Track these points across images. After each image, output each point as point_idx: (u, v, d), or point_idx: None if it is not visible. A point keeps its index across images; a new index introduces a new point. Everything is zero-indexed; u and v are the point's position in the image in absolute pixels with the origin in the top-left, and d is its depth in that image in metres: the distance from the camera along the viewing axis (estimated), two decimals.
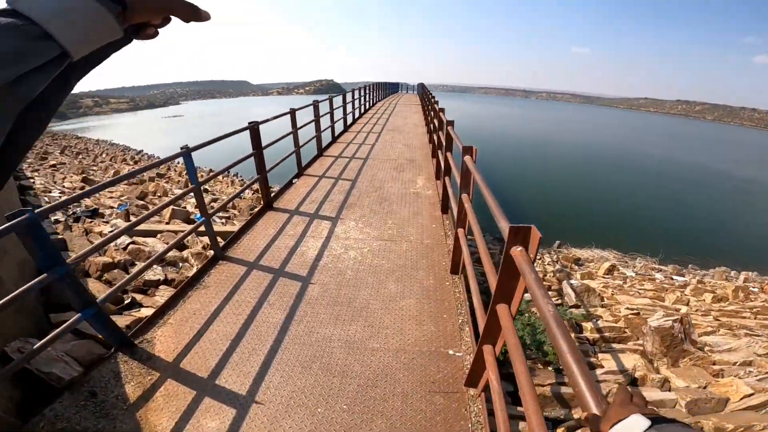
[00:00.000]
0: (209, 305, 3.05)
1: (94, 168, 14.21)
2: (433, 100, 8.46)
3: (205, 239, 4.57)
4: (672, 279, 8.33)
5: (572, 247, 10.86)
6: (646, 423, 0.52)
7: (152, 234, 4.65)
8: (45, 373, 2.21)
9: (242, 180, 15.69)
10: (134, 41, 0.51)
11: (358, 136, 10.14)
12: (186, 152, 3.10)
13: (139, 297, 3.41)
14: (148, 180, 10.32)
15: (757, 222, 15.74)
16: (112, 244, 3.88)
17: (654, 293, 6.34)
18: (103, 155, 20.90)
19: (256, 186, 6.21)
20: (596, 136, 48.93)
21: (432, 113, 8.44)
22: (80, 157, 18.57)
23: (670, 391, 3.38)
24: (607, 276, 7.74)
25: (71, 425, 2.03)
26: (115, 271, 3.66)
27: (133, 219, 5.53)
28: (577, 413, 2.96)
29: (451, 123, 4.25)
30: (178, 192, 8.91)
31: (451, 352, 2.63)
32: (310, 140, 7.14)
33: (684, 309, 5.48)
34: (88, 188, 2.39)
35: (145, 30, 0.51)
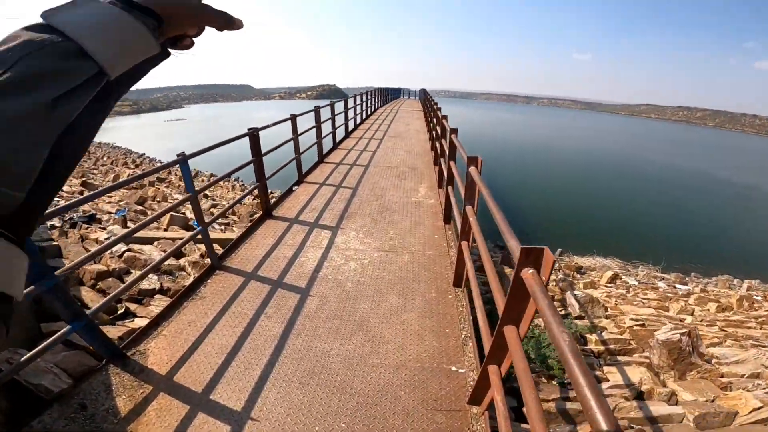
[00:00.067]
0: (205, 316, 2.97)
1: (95, 171, 14.16)
2: (435, 106, 8.41)
3: (203, 247, 4.50)
4: (675, 287, 8.25)
5: (574, 255, 10.79)
6: None
7: (149, 241, 4.57)
8: (33, 385, 2.15)
9: (243, 185, 15.65)
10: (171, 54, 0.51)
11: (359, 143, 10.10)
12: (182, 159, 3.03)
13: (133, 307, 3.32)
14: (148, 184, 10.26)
15: (759, 229, 15.68)
16: (107, 251, 3.81)
17: (658, 303, 6.27)
18: (104, 158, 20.89)
19: (256, 191, 6.15)
20: (597, 142, 48.98)
21: (434, 120, 8.40)
22: None
23: (677, 405, 3.30)
24: (609, 285, 7.67)
25: None
26: (110, 279, 3.58)
27: (131, 225, 5.46)
28: (583, 429, 2.88)
29: (454, 131, 4.18)
30: (178, 197, 8.86)
31: (453, 368, 2.55)
32: (311, 146, 7.08)
33: (689, 319, 5.41)
34: (87, 193, 2.34)
35: (182, 41, 0.51)
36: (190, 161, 3.19)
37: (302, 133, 6.20)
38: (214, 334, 2.79)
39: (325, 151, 8.28)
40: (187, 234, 4.39)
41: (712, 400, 3.31)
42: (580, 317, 4.95)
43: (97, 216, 5.74)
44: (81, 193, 8.10)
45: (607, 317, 5.02)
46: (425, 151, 9.13)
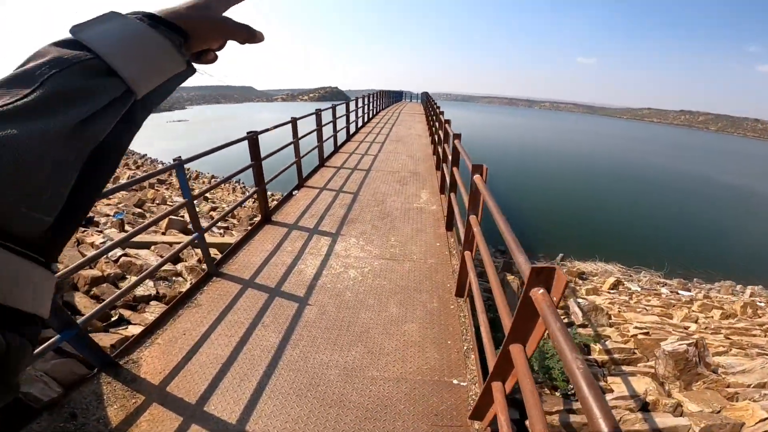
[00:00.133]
0: (200, 325, 2.91)
1: None
2: (438, 110, 8.34)
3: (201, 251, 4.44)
4: (678, 294, 8.19)
5: (576, 260, 10.72)
6: None
7: (146, 246, 4.51)
8: (22, 393, 2.10)
9: (244, 187, 15.59)
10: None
11: (360, 146, 10.04)
12: (178, 164, 2.96)
13: (127, 314, 3.25)
14: (148, 186, 10.19)
15: (761, 234, 15.57)
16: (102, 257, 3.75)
17: (661, 310, 6.22)
18: None
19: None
20: (599, 146, 48.91)
21: (437, 124, 8.33)
22: None
23: (682, 416, 3.24)
24: (612, 291, 7.62)
25: None
26: (104, 285, 3.51)
27: (128, 228, 5.40)
28: None
29: (458, 136, 4.11)
30: (179, 200, 8.80)
31: (455, 381, 2.48)
32: (312, 150, 7.01)
33: (693, 327, 5.36)
34: None
35: (206, 55, 0.51)
36: (190, 163, 3.14)
37: (303, 137, 6.14)
38: (210, 344, 2.73)
39: (326, 155, 8.21)
40: (186, 238, 4.31)
41: (719, 411, 3.25)
42: (583, 325, 4.89)
43: (95, 219, 5.67)
44: None
45: (610, 325, 4.96)
46: (427, 155, 9.07)
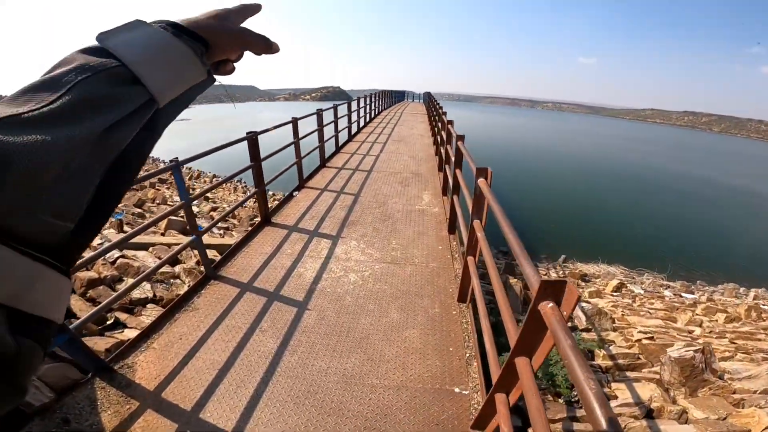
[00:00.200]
0: (197, 329, 2.85)
1: None
2: (441, 111, 8.27)
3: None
4: (681, 296, 8.13)
5: (578, 261, 10.66)
6: None
7: (144, 247, 4.45)
8: None
9: (245, 186, 15.53)
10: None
11: (362, 146, 9.97)
12: (175, 165, 2.90)
13: (123, 317, 3.19)
14: (149, 186, 10.14)
15: (764, 236, 15.46)
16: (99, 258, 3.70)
17: (665, 313, 6.17)
18: None
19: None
20: (602, 147, 48.73)
21: (439, 124, 8.26)
22: None
23: (687, 423, 3.19)
24: (615, 293, 7.57)
25: None
26: (101, 287, 3.45)
27: (127, 229, 5.35)
28: None
29: (461, 138, 4.03)
30: (179, 200, 8.75)
31: (457, 389, 2.42)
32: (313, 150, 6.94)
33: (698, 331, 5.31)
34: None
35: (225, 66, 0.52)
36: (191, 163, 3.09)
37: (304, 137, 6.07)
38: (206, 349, 2.67)
39: (327, 155, 8.15)
40: (185, 239, 4.26)
41: (724, 418, 3.19)
42: (587, 330, 4.84)
43: None
44: None
45: (614, 330, 4.90)
46: (429, 156, 8.99)
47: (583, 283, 8.35)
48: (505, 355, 2.83)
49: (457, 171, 4.00)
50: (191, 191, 11.48)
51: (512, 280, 5.65)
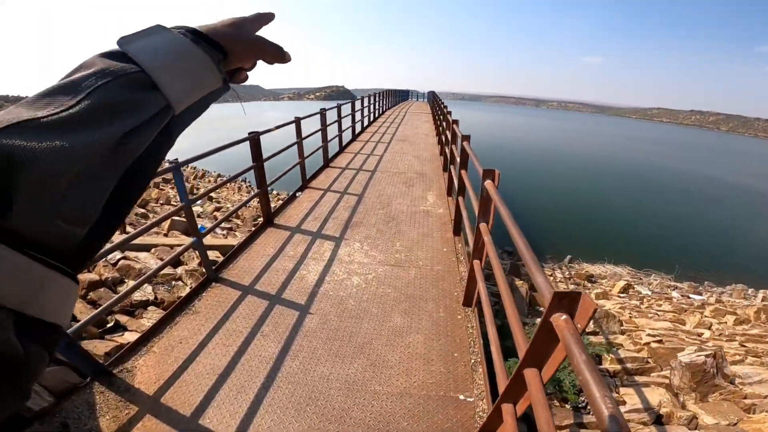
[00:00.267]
0: (198, 333, 2.82)
1: None
2: (446, 110, 8.20)
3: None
4: (689, 297, 8.02)
5: (584, 261, 10.55)
6: None
7: (146, 248, 4.42)
8: None
9: (249, 186, 15.50)
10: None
11: (366, 146, 9.92)
12: (175, 166, 2.86)
13: (124, 319, 3.16)
14: (153, 185, 10.13)
15: None
16: (101, 260, 3.68)
17: (674, 315, 6.07)
18: None
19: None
20: (608, 146, 48.43)
21: (444, 124, 8.18)
22: None
23: (697, 429, 3.14)
24: (622, 295, 7.48)
25: None
26: (102, 290, 3.42)
27: (130, 229, 5.33)
28: None
29: (467, 138, 3.96)
30: None
31: (462, 397, 2.36)
32: (316, 150, 6.90)
33: (707, 333, 5.22)
34: None
35: (239, 74, 0.52)
36: (195, 162, 3.05)
37: (307, 137, 6.02)
38: (206, 353, 2.64)
39: (331, 155, 8.10)
40: (187, 240, 4.23)
41: (735, 424, 3.13)
42: (594, 333, 4.75)
43: None
44: None
45: (622, 332, 4.82)
46: (434, 156, 8.92)
47: (590, 284, 8.26)
48: (512, 361, 2.77)
49: (463, 172, 3.93)
50: (195, 191, 11.48)
51: (518, 282, 5.58)
